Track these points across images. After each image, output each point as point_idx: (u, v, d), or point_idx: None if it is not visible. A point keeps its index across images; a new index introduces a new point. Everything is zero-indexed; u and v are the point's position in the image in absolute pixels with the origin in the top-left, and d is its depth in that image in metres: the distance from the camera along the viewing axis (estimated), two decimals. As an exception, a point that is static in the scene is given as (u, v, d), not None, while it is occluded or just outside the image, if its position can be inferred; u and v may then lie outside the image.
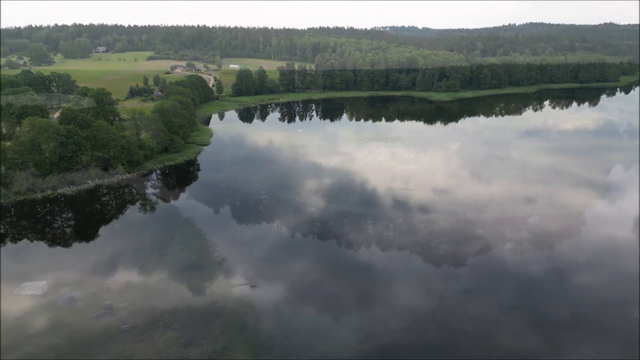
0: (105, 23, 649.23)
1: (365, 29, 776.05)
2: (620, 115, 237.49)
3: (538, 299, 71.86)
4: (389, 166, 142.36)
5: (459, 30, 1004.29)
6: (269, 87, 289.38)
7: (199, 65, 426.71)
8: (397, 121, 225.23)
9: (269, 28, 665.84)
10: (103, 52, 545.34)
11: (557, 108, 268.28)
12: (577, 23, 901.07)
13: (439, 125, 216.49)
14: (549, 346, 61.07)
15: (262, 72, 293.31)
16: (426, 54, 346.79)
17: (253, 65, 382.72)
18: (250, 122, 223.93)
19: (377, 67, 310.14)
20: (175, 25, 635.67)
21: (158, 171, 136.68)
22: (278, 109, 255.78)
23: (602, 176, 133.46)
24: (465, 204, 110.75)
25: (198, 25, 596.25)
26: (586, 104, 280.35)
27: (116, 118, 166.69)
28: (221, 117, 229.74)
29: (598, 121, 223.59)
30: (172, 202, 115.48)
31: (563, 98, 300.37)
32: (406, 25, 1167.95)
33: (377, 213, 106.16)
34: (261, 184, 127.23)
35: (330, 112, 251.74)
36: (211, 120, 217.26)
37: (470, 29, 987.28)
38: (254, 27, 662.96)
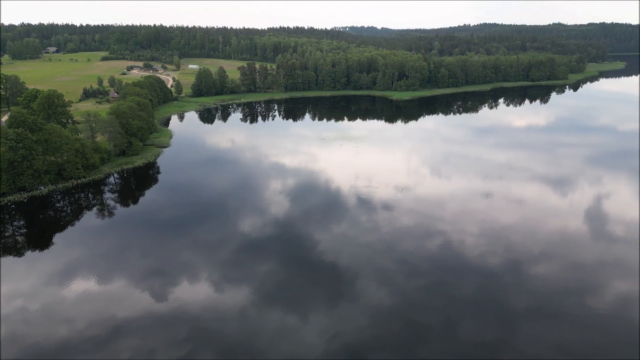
0: (55, 22, 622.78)
1: (326, 29, 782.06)
2: (571, 112, 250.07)
3: (498, 291, 74.33)
4: (353, 165, 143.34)
5: (416, 30, 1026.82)
6: (229, 87, 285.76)
7: (157, 65, 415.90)
8: (359, 120, 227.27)
9: (229, 28, 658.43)
10: (54, 52, 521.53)
11: (511, 105, 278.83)
12: (527, 24, 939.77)
13: (399, 123, 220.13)
14: (509, 336, 63.48)
15: (222, 72, 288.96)
16: (386, 53, 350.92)
17: (213, 65, 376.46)
18: (212, 123, 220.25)
19: (338, 67, 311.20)
20: (130, 24, 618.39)
21: (116, 175, 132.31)
22: (240, 109, 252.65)
23: (554, 170, 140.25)
24: (427, 200, 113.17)
25: (155, 25, 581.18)
26: (538, 101, 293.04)
27: (69, 121, 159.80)
28: (181, 118, 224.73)
29: (549, 118, 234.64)
30: (132, 206, 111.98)
31: (516, 96, 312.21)
32: (365, 26, 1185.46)
33: (342, 211, 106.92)
34: (224, 185, 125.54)
35: (293, 111, 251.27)
36: (171, 122, 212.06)
37: (427, 29, 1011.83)
38: (213, 27, 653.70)
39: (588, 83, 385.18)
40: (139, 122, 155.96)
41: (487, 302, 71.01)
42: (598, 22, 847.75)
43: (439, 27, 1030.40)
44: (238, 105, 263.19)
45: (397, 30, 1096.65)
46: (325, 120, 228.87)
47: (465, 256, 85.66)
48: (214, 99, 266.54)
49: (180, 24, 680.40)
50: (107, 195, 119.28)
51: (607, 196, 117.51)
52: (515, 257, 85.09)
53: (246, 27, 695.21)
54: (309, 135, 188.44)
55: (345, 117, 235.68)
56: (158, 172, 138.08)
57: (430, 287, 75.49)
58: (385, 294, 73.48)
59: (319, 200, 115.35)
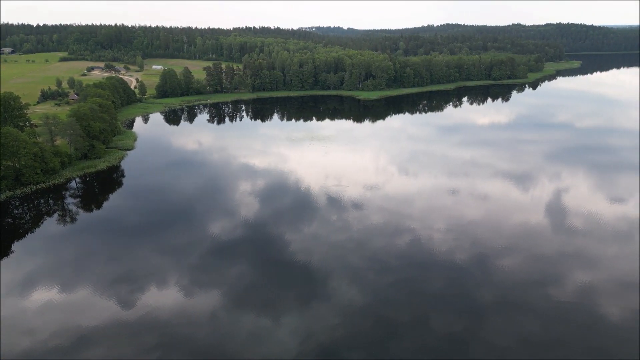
0: (10, 22, 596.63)
1: (292, 29, 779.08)
2: (531, 109, 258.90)
3: (465, 284, 76.32)
4: (322, 164, 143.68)
5: (382, 30, 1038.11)
6: (195, 87, 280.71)
7: (119, 66, 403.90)
8: (327, 120, 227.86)
9: (193, 28, 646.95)
10: (9, 53, 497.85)
11: (475, 104, 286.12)
12: (488, 24, 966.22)
13: (367, 123, 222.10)
14: (477, 328, 65.26)
15: (187, 73, 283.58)
16: (352, 53, 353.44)
17: (177, 65, 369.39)
18: (178, 125, 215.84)
19: (306, 67, 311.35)
20: (90, 24, 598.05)
21: (78, 179, 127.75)
22: (206, 110, 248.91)
23: (516, 166, 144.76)
24: (395, 198, 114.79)
25: (116, 25, 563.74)
26: (499, 99, 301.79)
27: (27, 124, 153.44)
28: (146, 120, 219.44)
29: (510, 115, 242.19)
30: (95, 211, 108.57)
31: (479, 94, 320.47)
32: (332, 26, 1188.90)
33: (312, 211, 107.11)
34: (192, 188, 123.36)
35: (261, 112, 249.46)
36: (135, 124, 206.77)
37: (392, 30, 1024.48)
38: (177, 27, 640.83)
39: (546, 81, 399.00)
40: (101, 124, 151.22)
41: (455, 296, 72.73)
42: (555, 22, 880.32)
43: (403, 28, 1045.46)
44: (204, 106, 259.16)
45: (363, 30, 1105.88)
46: (293, 120, 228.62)
47: (434, 252, 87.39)
48: (180, 100, 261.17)
49: (142, 24, 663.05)
50: (69, 200, 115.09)
51: (566, 190, 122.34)
52: (481, 251, 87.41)
53: (211, 27, 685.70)
54: (278, 135, 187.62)
55: (313, 117, 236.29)
56: (122, 176, 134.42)
57: (400, 283, 76.61)
58: (356, 292, 74.07)
59: (289, 201, 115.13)
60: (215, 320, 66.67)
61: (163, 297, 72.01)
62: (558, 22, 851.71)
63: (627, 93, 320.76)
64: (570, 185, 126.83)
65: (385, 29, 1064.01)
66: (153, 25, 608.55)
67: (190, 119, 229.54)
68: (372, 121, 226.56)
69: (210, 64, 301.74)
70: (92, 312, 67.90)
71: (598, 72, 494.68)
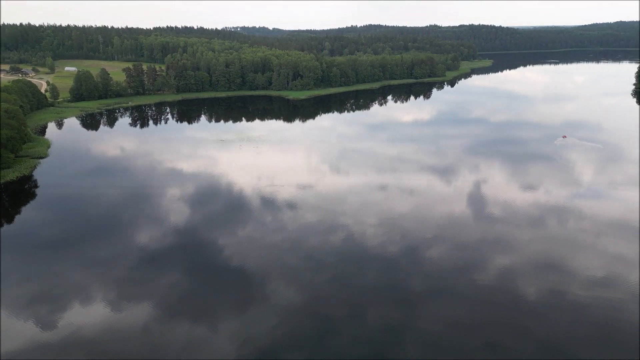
0: None
1: (216, 29, 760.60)
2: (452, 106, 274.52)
3: (397, 276, 79.14)
4: (254, 165, 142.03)
5: (307, 31, 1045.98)
6: (115, 90, 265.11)
7: (27, 68, 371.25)
8: (257, 121, 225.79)
9: (109, 27, 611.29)
10: None
11: (399, 102, 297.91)
12: (408, 25, 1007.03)
13: (297, 122, 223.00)
14: (411, 318, 67.96)
15: (105, 74, 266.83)
16: (279, 53, 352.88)
17: (94, 67, 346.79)
18: (97, 130, 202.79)
19: (232, 67, 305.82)
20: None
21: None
22: (128, 114, 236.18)
23: (439, 160, 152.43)
24: (328, 196, 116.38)
25: (21, 24, 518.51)
26: (421, 97, 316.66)
27: None
28: (60, 125, 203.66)
29: (431, 112, 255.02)
30: (6, 226, 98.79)
31: (402, 93, 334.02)
32: (257, 26, 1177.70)
33: (246, 214, 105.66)
34: (115, 196, 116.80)
35: (187, 114, 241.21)
36: (47, 130, 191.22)
37: (318, 30, 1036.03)
38: (91, 26, 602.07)
39: (463, 79, 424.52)
40: (9, 131, 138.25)
41: (388, 288, 75.25)
42: (468, 23, 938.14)
43: (328, 28, 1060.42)
44: (125, 109, 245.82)
45: (289, 30, 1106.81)
46: (222, 121, 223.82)
47: (366, 246, 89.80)
48: (98, 104, 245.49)
49: (52, 23, 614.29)
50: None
51: (485, 181, 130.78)
52: (410, 243, 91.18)
53: (129, 26, 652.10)
54: (207, 137, 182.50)
55: (243, 118, 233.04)
56: (36, 187, 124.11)
57: (336, 280, 77.82)
58: (294, 292, 74.17)
59: (221, 204, 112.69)
60: (148, 334, 63.56)
61: (89, 315, 67.37)
62: (470, 23, 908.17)
63: (532, 89, 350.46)
64: (488, 176, 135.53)
65: (311, 30, 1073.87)
66: (64, 25, 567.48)
67: (110, 123, 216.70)
68: (302, 120, 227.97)
69: (130, 65, 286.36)
70: (5, 336, 62.27)
71: (507, 70, 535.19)
